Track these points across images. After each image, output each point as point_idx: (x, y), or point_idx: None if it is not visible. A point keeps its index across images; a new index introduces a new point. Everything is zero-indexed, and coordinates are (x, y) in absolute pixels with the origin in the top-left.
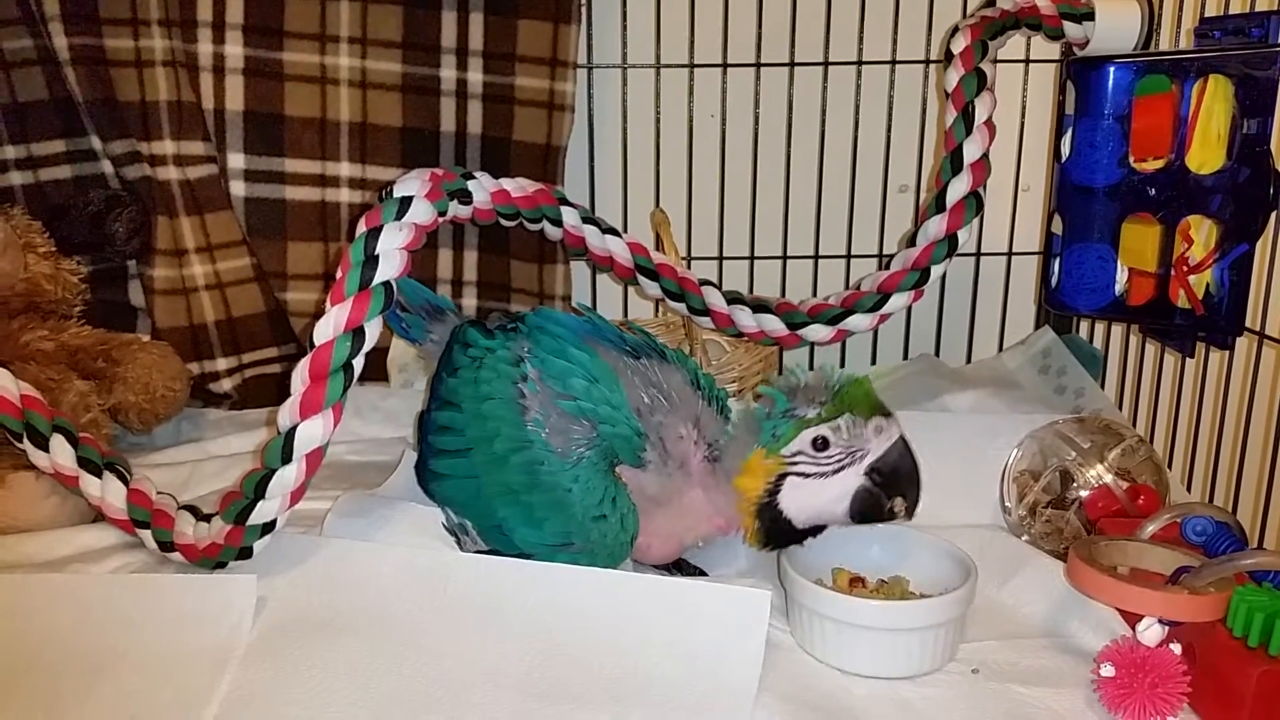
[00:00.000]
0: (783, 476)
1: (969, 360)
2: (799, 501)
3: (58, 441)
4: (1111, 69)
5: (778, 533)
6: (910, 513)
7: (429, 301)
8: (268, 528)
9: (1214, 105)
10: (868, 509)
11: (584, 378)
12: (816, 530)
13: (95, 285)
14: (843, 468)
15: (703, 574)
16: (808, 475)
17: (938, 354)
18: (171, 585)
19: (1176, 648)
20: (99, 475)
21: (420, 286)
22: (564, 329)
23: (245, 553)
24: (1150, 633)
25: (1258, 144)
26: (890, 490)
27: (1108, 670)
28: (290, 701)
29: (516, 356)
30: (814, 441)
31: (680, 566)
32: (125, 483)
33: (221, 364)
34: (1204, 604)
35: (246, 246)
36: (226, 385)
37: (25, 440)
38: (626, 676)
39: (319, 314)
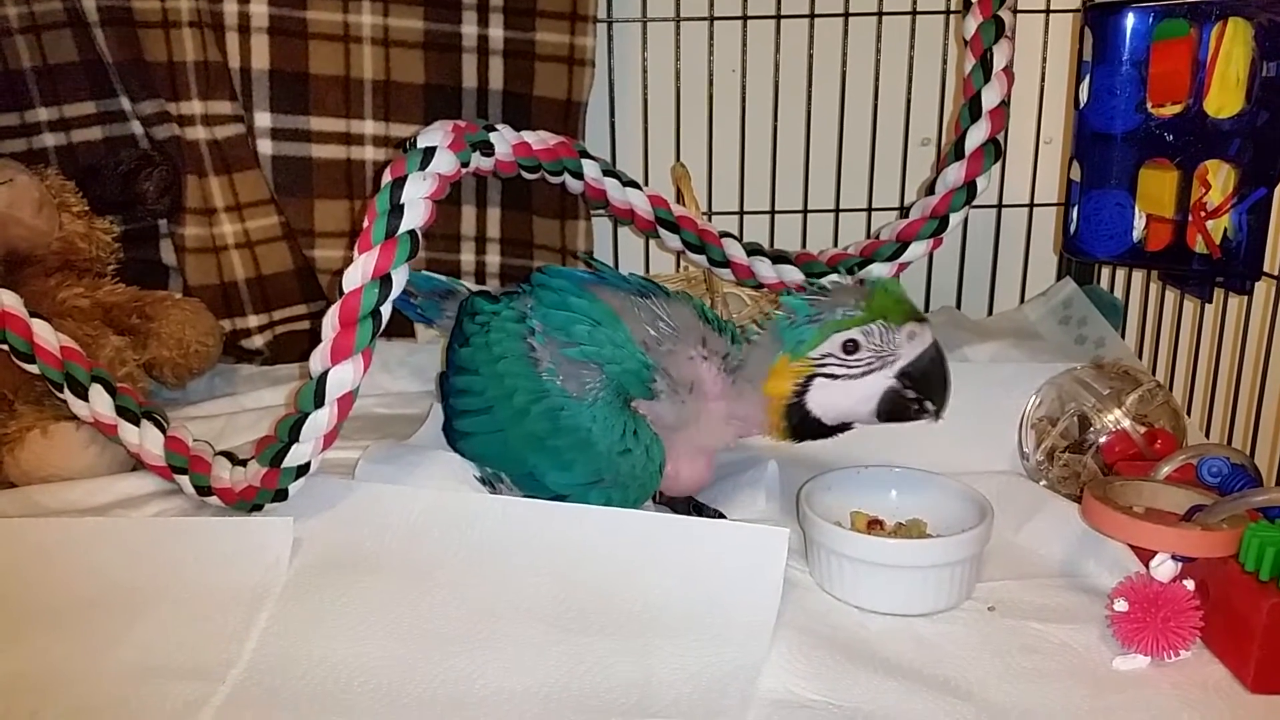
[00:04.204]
0: (811, 378)
1: (990, 313)
2: (827, 401)
3: (96, 391)
4: (1129, 14)
5: (805, 429)
6: (938, 415)
7: (439, 286)
8: (302, 470)
9: (1233, 49)
10: (895, 409)
11: (585, 323)
12: (844, 427)
13: (128, 244)
14: (871, 371)
15: (721, 517)
16: (836, 376)
17: (959, 307)
18: (210, 527)
19: (1189, 583)
20: (137, 424)
21: (430, 275)
22: (565, 281)
23: (281, 495)
24: (1163, 569)
25: (1277, 87)
26: (920, 393)
27: (1121, 606)
28: (326, 635)
29: (521, 314)
30: (844, 345)
31: (699, 510)
32: (162, 430)
33: (252, 320)
34: (1216, 540)
35: (274, 205)
36: (258, 341)
37: (65, 390)
38: (649, 610)
39: (346, 270)
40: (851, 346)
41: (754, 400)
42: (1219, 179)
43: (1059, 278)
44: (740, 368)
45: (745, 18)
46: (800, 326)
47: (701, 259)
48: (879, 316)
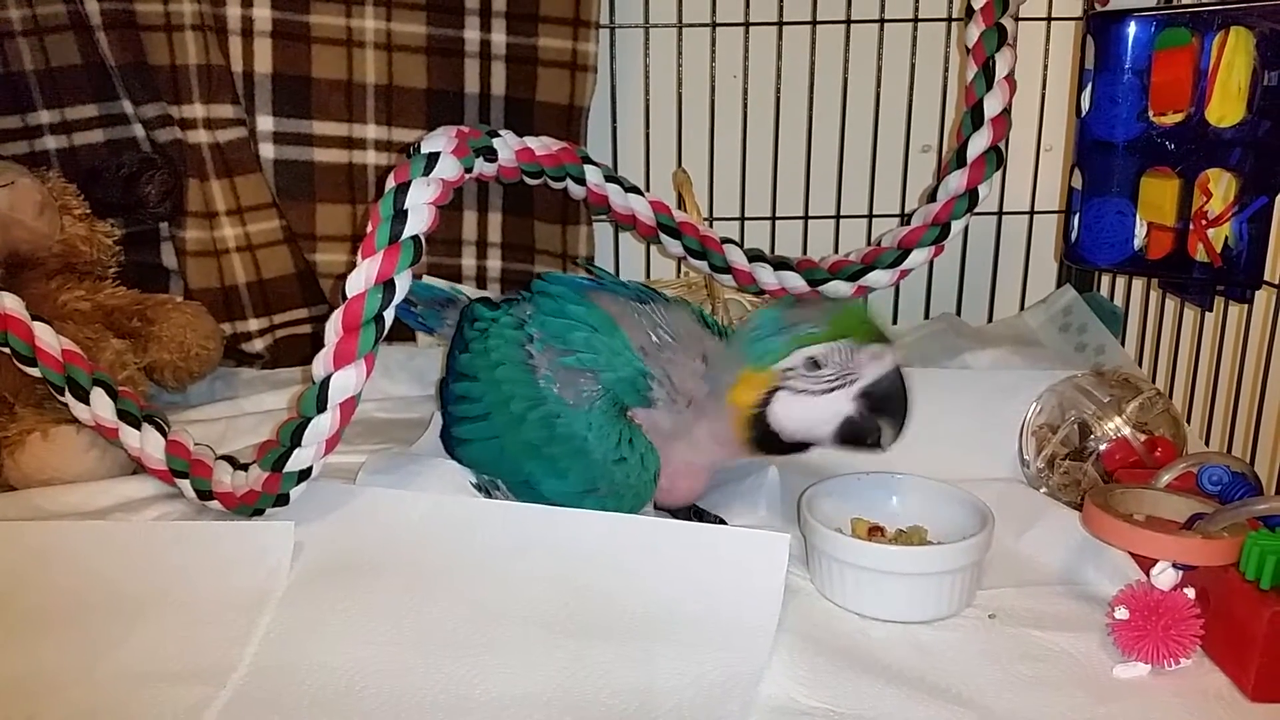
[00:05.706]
0: (775, 390)
1: (990, 319)
2: (787, 414)
3: (98, 394)
4: (1131, 23)
5: (767, 442)
6: (893, 440)
7: (439, 295)
8: (304, 474)
9: (1234, 58)
10: (851, 436)
11: (583, 330)
12: (805, 446)
13: (129, 247)
14: (833, 389)
15: (722, 523)
16: (798, 391)
17: (959, 313)
18: (211, 531)
19: (1190, 592)
20: (138, 427)
21: (430, 284)
22: (564, 287)
23: (282, 499)
24: (1164, 577)
25: (1278, 96)
26: (877, 416)
27: (1122, 614)
28: (327, 640)
29: (520, 321)
30: (807, 360)
31: (700, 516)
32: (163, 434)
33: (253, 324)
34: (1217, 548)
35: (276, 209)
36: (258, 345)
37: (66, 393)
38: (650, 615)
39: (348, 274)
40: (814, 363)
41: (725, 413)
42: (1220, 188)
43: (1059, 285)
44: (714, 381)
45: (747, 24)
46: (766, 339)
47: (703, 265)
48: (843, 335)
